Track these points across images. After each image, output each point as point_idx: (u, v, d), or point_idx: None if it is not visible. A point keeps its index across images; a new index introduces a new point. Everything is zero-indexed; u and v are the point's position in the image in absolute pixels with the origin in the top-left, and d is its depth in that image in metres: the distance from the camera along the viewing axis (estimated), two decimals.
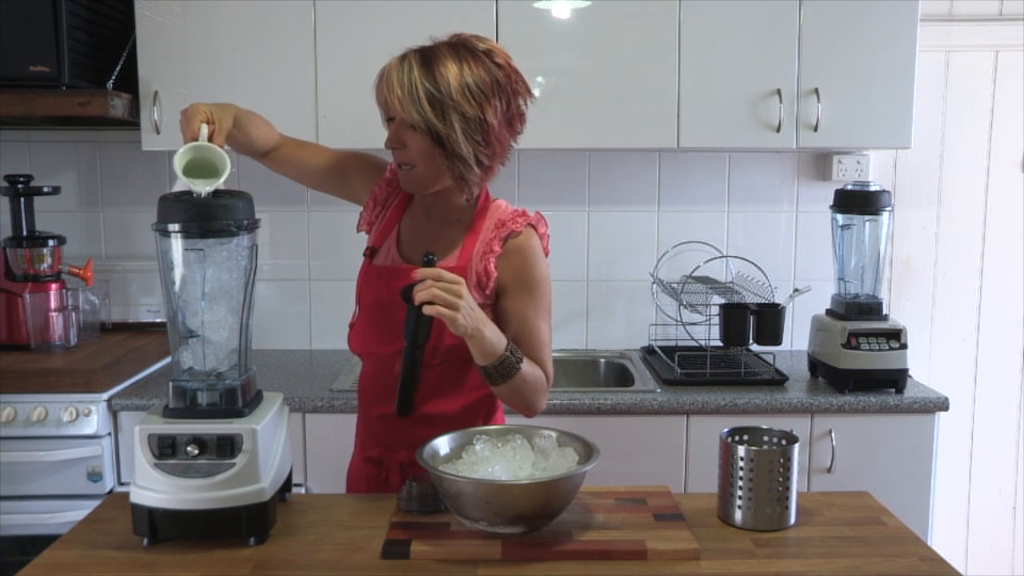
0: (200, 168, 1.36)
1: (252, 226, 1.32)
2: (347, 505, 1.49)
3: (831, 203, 2.59)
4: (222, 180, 1.34)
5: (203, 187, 1.31)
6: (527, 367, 1.50)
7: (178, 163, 1.34)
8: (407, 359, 1.44)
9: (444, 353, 1.52)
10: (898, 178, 2.99)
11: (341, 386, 2.45)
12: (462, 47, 1.49)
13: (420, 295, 1.35)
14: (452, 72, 1.44)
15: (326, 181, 1.72)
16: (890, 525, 1.42)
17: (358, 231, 1.70)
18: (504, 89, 1.49)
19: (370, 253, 1.62)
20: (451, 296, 1.35)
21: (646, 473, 2.27)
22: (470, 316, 1.38)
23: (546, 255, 1.60)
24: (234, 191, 1.35)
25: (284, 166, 1.72)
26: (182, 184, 1.33)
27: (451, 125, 1.44)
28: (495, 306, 1.56)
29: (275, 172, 1.74)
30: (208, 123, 1.43)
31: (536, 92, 2.51)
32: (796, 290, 2.69)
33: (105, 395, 2.32)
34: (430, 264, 1.38)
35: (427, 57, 1.46)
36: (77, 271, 2.65)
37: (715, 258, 2.83)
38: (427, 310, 1.35)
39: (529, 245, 1.56)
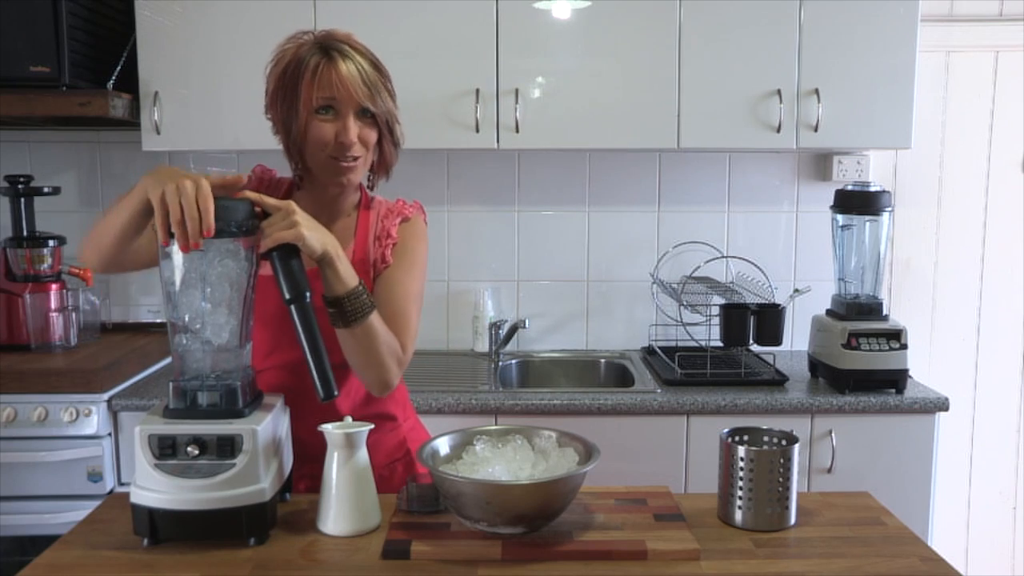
0: None
1: (252, 228, 1.32)
2: None
3: (831, 203, 2.59)
4: None
5: None
6: (380, 321, 1.41)
7: None
8: (302, 321, 1.28)
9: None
10: (898, 178, 2.99)
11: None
12: (354, 42, 1.51)
13: (266, 242, 1.28)
14: (375, 62, 1.49)
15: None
16: (890, 525, 1.42)
17: None
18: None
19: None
20: (286, 222, 1.28)
21: (646, 473, 2.27)
22: (313, 228, 1.31)
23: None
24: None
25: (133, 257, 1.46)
26: None
27: (393, 111, 1.50)
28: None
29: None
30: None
31: (536, 92, 2.55)
32: (796, 290, 2.69)
33: (105, 395, 2.32)
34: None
35: (357, 48, 1.49)
36: (77, 271, 2.65)
37: (715, 258, 2.83)
38: (266, 243, 1.27)
39: (419, 224, 1.61)
